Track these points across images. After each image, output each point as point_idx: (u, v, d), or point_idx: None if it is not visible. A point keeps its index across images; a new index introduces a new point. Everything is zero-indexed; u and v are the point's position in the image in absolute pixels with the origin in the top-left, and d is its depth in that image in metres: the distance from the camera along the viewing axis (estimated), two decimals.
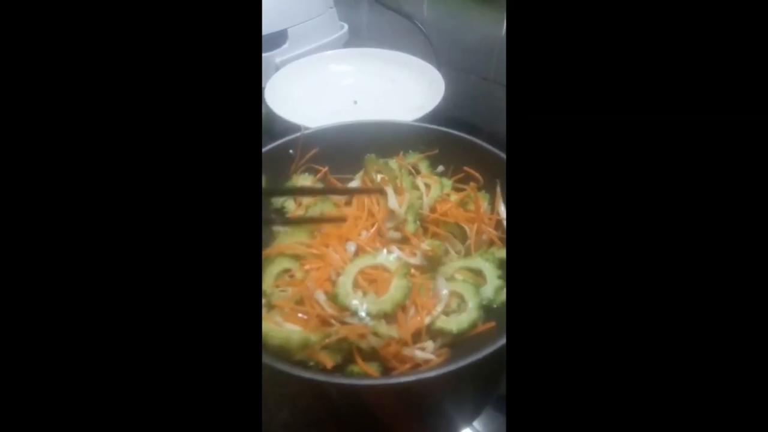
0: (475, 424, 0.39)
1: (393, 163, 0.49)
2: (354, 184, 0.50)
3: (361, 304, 0.35)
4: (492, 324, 0.36)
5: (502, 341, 0.31)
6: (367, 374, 0.33)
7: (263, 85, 0.68)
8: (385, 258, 0.39)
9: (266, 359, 0.30)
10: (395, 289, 0.36)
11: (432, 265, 0.41)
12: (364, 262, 0.39)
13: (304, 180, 0.49)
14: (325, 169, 0.50)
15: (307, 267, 0.40)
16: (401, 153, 0.50)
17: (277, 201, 0.48)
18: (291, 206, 0.48)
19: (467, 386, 0.40)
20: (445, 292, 0.38)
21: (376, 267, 0.39)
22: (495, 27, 0.77)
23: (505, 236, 0.44)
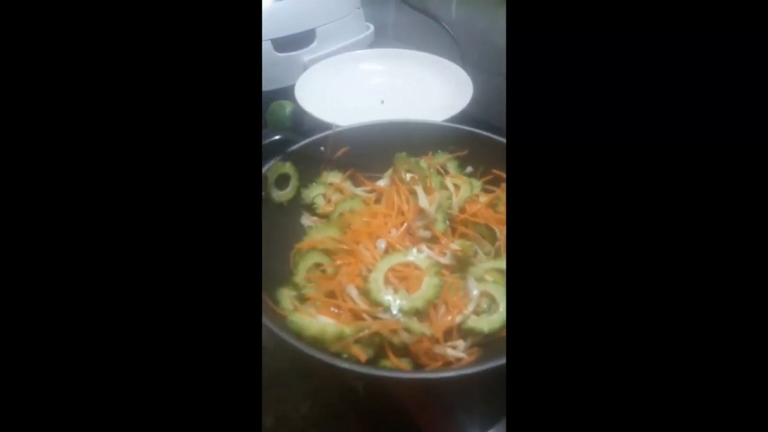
0: (498, 426, 0.39)
1: (422, 162, 0.49)
2: (383, 182, 0.50)
3: (394, 300, 0.35)
4: None
5: None
6: (400, 369, 0.34)
7: (293, 83, 0.69)
8: (415, 256, 0.39)
9: (304, 348, 0.30)
10: (427, 286, 0.37)
11: (462, 265, 0.41)
12: (395, 259, 0.39)
13: (334, 177, 0.50)
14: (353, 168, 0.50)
15: (338, 262, 0.40)
16: (430, 153, 0.51)
17: (308, 197, 0.48)
18: (321, 202, 0.49)
19: (497, 387, 0.40)
20: (476, 292, 0.38)
21: (407, 264, 0.39)
22: None
23: None
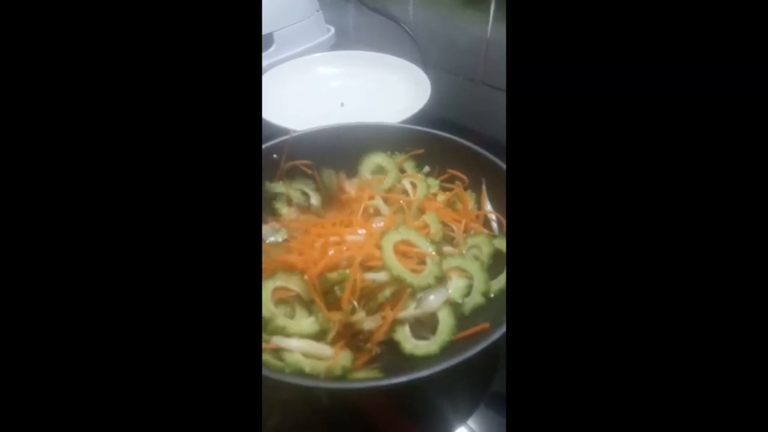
0: (470, 422, 0.39)
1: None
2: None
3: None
4: (485, 325, 0.36)
5: (492, 338, 0.31)
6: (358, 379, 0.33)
7: None
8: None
9: None
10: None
11: None
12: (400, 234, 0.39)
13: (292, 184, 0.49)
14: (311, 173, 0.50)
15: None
16: (388, 154, 0.50)
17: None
18: (282, 207, 0.48)
19: (458, 384, 0.40)
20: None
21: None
22: (481, 28, 0.78)
23: (491, 233, 0.45)
